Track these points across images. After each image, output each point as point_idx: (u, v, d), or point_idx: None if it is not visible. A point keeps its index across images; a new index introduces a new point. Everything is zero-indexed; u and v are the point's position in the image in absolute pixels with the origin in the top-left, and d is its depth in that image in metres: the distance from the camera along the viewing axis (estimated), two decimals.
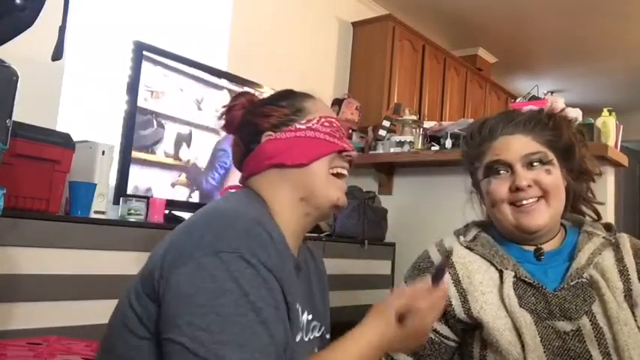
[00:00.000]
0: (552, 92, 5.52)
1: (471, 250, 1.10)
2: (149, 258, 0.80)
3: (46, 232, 1.64)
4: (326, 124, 0.93)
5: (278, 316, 0.74)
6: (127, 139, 2.12)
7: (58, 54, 1.20)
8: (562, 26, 4.57)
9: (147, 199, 2.06)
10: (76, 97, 2.48)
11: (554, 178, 1.05)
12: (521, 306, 1.00)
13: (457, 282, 1.06)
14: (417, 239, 2.44)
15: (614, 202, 2.56)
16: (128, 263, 1.77)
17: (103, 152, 2.03)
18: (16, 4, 1.06)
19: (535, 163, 1.05)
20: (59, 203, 1.84)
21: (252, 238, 0.74)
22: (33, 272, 1.60)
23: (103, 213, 1.98)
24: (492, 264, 1.07)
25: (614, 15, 4.28)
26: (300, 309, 0.87)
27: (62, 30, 1.19)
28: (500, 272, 1.05)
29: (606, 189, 2.38)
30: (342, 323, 0.94)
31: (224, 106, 1.01)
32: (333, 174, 0.93)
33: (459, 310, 1.04)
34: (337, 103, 3.56)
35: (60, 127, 2.28)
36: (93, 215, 1.92)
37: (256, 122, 0.94)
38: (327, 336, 1.00)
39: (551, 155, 1.07)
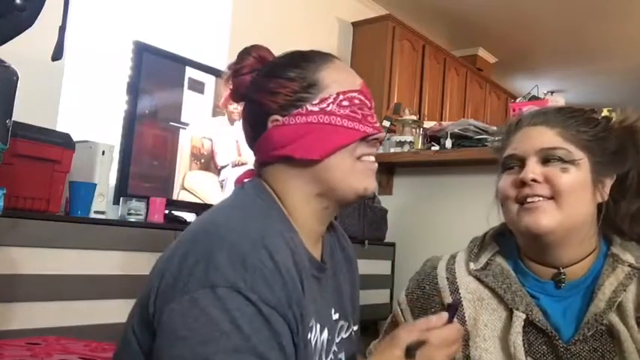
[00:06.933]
0: (552, 92, 5.52)
1: (480, 281, 0.95)
2: (149, 276, 0.73)
3: (46, 232, 1.64)
4: (345, 102, 0.77)
5: (284, 359, 0.66)
6: (127, 139, 2.12)
7: (58, 54, 1.20)
8: (562, 26, 4.57)
9: (147, 198, 2.06)
10: (76, 97, 2.48)
11: (571, 178, 0.86)
12: (529, 354, 0.86)
13: (462, 322, 0.93)
14: (417, 239, 2.44)
15: None
16: (128, 263, 1.78)
17: (103, 152, 2.03)
18: (16, 4, 1.06)
19: (552, 160, 0.88)
20: (59, 203, 1.84)
21: (252, 270, 0.64)
22: (33, 272, 1.60)
23: (103, 213, 1.99)
24: (503, 301, 0.91)
25: (615, 15, 4.28)
26: (318, 328, 0.76)
27: (62, 30, 1.19)
28: (511, 312, 0.90)
29: None
30: None
31: (229, 68, 0.84)
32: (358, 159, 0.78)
33: (458, 355, 0.91)
34: None
35: (60, 127, 2.28)
36: (93, 215, 1.92)
37: (261, 101, 0.78)
38: (355, 328, 0.90)
39: (579, 155, 0.88)
